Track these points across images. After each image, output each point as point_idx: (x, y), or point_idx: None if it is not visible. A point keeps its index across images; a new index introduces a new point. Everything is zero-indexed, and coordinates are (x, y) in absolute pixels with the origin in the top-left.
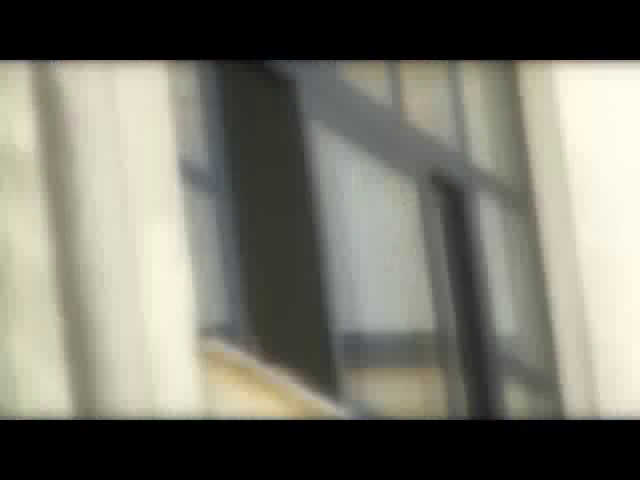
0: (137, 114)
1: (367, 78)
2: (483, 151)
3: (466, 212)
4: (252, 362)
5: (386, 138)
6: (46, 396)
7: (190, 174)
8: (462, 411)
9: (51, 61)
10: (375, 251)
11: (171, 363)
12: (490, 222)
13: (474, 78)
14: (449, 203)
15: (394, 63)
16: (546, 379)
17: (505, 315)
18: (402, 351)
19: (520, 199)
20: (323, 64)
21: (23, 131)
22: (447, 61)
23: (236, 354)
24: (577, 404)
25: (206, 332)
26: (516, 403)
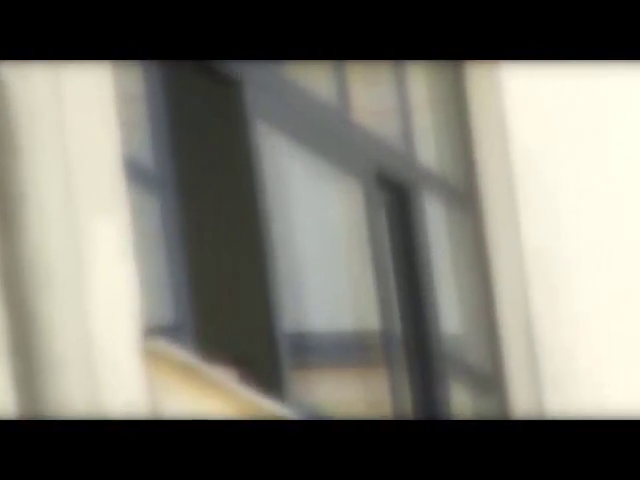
0: (82, 113)
1: (313, 77)
2: (429, 150)
3: (412, 211)
4: (197, 362)
5: (332, 137)
6: None
7: (135, 173)
8: (407, 411)
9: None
10: (321, 250)
11: (116, 362)
12: (436, 221)
13: (420, 77)
14: (395, 202)
15: (340, 63)
16: (492, 379)
17: (450, 314)
18: (347, 351)
19: (466, 198)
20: (269, 63)
21: None
22: (393, 61)
23: (181, 353)
24: (523, 404)
25: (151, 331)
26: (461, 403)
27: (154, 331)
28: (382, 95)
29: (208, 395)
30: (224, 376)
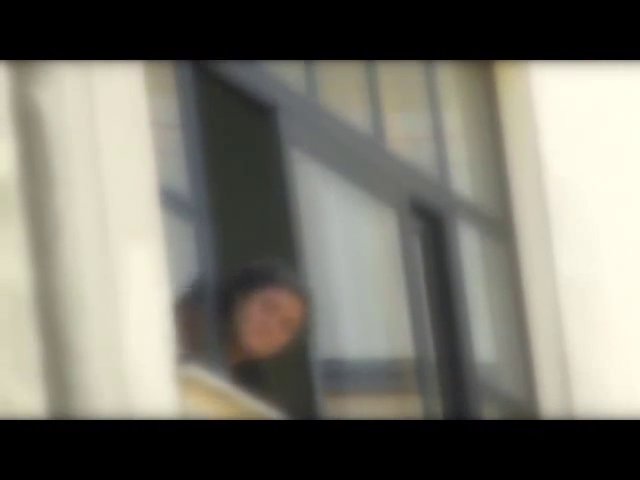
0: (117, 140)
1: (348, 105)
2: (463, 179)
3: (446, 239)
4: (231, 388)
5: (366, 165)
6: (23, 415)
7: (170, 200)
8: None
9: (30, 61)
10: (355, 278)
11: (150, 389)
12: (470, 249)
13: (455, 105)
14: (429, 230)
15: (375, 90)
16: (525, 407)
17: (484, 342)
18: (381, 378)
19: (500, 227)
20: (304, 90)
21: (3, 155)
22: (428, 87)
23: (215, 380)
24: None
25: (185, 358)
26: None
27: (188, 357)
28: (417, 123)
29: None
30: (257, 403)
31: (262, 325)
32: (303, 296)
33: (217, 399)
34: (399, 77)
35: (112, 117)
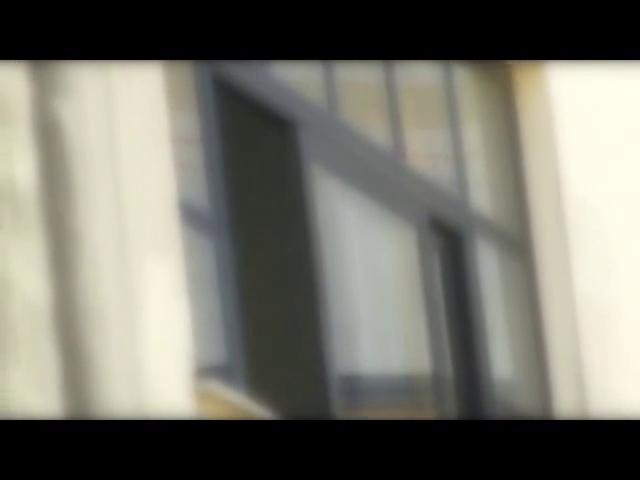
0: (137, 154)
1: (368, 121)
2: (482, 196)
3: (464, 256)
4: (249, 403)
5: (386, 181)
6: None
7: (189, 215)
8: None
9: (49, 61)
10: (373, 294)
11: (168, 403)
12: (488, 266)
13: (474, 123)
14: (447, 247)
15: (395, 108)
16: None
17: (501, 360)
18: (398, 394)
19: (518, 244)
20: (324, 107)
21: (23, 168)
22: (447, 104)
23: (233, 395)
24: None
25: (203, 373)
26: None
27: (206, 372)
28: (436, 140)
29: None
30: (275, 417)
31: None
32: None
33: (234, 413)
34: (419, 94)
35: (133, 131)
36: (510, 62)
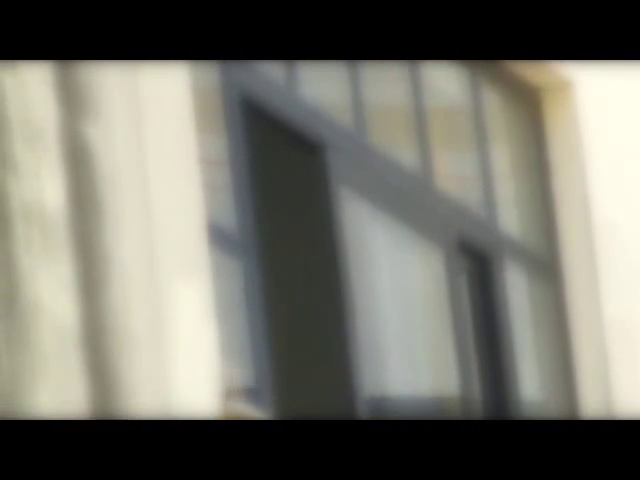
0: (166, 175)
1: (396, 143)
2: (511, 218)
3: (493, 278)
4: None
5: (414, 203)
6: None
7: (218, 236)
8: None
9: (73, 61)
10: (401, 316)
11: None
12: (516, 288)
13: (503, 146)
14: (476, 269)
15: (424, 130)
16: None
17: (530, 381)
18: (427, 415)
19: (547, 266)
20: (352, 129)
21: (52, 190)
22: (475, 127)
23: (260, 416)
24: None
25: (231, 394)
26: None
27: (234, 394)
28: (465, 162)
29: None
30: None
31: None
32: None
33: None
34: (447, 116)
35: (161, 153)
36: (538, 81)
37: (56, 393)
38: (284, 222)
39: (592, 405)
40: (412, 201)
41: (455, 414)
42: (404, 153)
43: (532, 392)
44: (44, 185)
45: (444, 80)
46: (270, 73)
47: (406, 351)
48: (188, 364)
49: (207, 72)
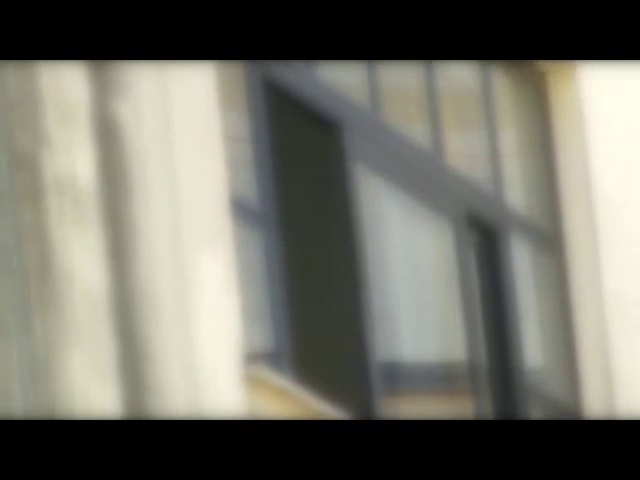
0: (192, 151)
1: (409, 122)
2: (517, 195)
3: (499, 251)
4: (295, 387)
5: (425, 180)
6: (100, 412)
7: (240, 210)
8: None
9: (106, 60)
10: (412, 286)
11: (219, 387)
12: (521, 261)
13: (510, 126)
14: (483, 242)
15: (436, 111)
16: (571, 410)
17: (533, 349)
18: (435, 380)
19: (550, 240)
20: (368, 108)
21: (83, 164)
22: (485, 107)
23: (280, 380)
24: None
25: (252, 358)
26: None
27: (255, 358)
28: (474, 141)
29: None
30: (318, 402)
31: None
32: None
33: (282, 398)
34: (458, 97)
35: (187, 130)
36: (544, 65)
37: (87, 356)
38: (303, 196)
39: (591, 373)
40: (424, 177)
41: (462, 379)
42: (417, 132)
43: (535, 359)
44: (76, 159)
45: (455, 63)
46: None
47: (417, 320)
48: (212, 330)
49: None
